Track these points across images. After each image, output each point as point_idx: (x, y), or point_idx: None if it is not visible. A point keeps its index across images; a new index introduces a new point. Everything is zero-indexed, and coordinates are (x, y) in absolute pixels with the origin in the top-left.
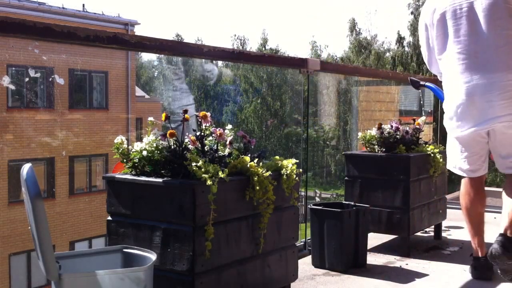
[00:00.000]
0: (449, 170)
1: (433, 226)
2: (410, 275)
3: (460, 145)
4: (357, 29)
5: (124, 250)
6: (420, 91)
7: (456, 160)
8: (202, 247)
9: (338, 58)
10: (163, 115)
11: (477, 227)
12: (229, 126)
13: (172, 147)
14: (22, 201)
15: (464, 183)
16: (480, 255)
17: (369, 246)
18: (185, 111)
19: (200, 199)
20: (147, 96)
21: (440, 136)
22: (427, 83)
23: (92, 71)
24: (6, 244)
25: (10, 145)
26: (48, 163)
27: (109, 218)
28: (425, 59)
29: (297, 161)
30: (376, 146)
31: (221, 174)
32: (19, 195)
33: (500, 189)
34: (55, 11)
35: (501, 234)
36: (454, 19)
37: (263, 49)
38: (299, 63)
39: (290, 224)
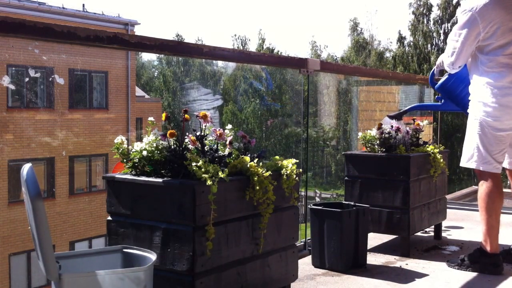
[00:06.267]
0: (452, 170)
1: (433, 226)
2: (410, 275)
3: (501, 139)
4: (359, 29)
5: (124, 250)
6: (420, 91)
7: (491, 155)
8: (202, 247)
9: (338, 58)
10: (163, 115)
11: (499, 223)
12: (229, 126)
13: (172, 147)
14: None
15: (489, 180)
16: (498, 251)
17: (369, 246)
18: (185, 111)
19: (200, 199)
20: (147, 96)
21: (441, 136)
22: (408, 108)
23: (92, 71)
24: (6, 244)
25: (10, 145)
26: (48, 163)
27: (109, 218)
28: (456, 48)
29: (297, 161)
30: (376, 146)
31: (221, 174)
32: (19, 195)
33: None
34: (55, 11)
35: None
36: None
37: (261, 49)
38: (299, 63)
39: (290, 224)
